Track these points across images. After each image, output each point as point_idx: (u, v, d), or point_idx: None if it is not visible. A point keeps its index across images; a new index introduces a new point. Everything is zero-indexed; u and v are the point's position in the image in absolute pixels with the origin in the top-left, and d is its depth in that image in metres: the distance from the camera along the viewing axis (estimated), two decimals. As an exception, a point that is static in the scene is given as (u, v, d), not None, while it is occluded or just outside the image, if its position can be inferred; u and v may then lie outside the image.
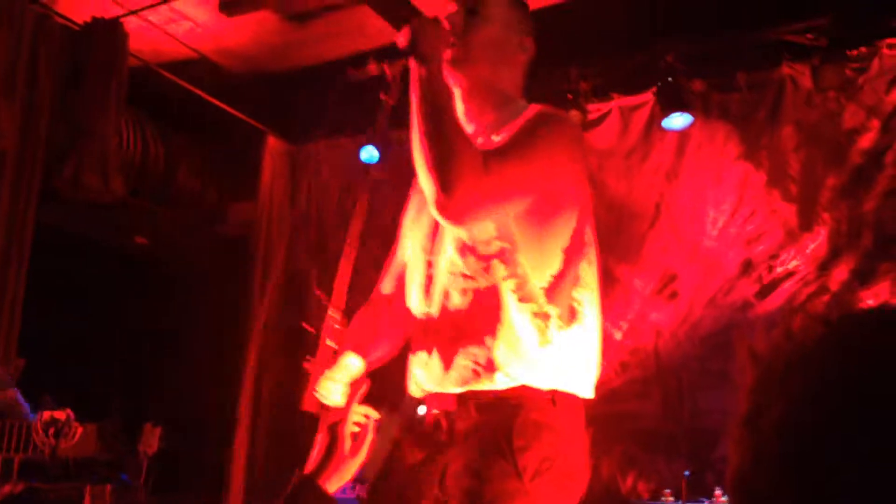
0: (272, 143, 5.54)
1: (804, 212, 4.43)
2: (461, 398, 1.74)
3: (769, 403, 0.62)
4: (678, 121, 4.56)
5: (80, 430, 3.15)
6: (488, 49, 1.88)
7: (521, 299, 1.71)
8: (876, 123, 4.30)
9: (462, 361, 1.73)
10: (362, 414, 1.64)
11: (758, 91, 4.57)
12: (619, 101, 4.89)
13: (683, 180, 4.73)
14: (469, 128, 1.85)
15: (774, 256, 4.47)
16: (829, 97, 4.39)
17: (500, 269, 1.74)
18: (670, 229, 4.73)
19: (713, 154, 4.67)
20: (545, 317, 1.71)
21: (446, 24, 1.87)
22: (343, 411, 1.61)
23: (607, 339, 4.73)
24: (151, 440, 3.44)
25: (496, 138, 1.83)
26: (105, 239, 5.65)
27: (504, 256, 1.74)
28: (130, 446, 3.47)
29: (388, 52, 1.95)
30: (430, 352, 1.81)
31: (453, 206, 1.63)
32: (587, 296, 1.79)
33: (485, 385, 1.71)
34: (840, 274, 4.29)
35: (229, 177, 5.72)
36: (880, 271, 4.21)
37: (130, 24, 4.53)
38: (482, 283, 1.75)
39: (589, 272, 1.80)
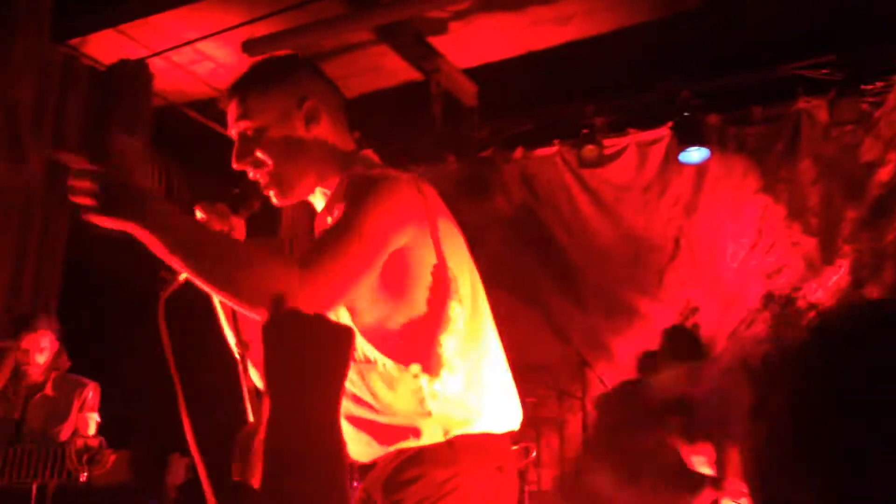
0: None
1: (825, 244, 4.42)
2: (369, 469, 1.70)
3: (771, 393, 0.69)
4: (695, 155, 4.58)
5: (112, 457, 3.19)
6: (281, 158, 1.70)
7: (376, 371, 1.63)
8: (893, 156, 4.30)
9: (359, 438, 1.68)
10: None
11: (774, 124, 4.60)
12: (635, 136, 4.92)
13: (702, 213, 4.73)
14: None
15: (796, 289, 4.45)
16: (845, 131, 4.40)
17: (359, 336, 1.65)
18: (690, 262, 4.73)
19: (731, 187, 4.68)
20: (413, 377, 1.62)
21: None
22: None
23: (630, 373, 4.73)
24: (178, 470, 3.46)
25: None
26: (130, 274, 5.71)
27: (355, 321, 1.65)
28: (157, 475, 3.50)
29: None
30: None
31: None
32: (458, 335, 1.66)
33: (380, 453, 1.67)
34: (862, 306, 4.26)
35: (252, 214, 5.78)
36: (903, 303, 4.18)
37: (155, 65, 4.64)
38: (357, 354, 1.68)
39: (459, 308, 1.66)
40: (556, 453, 4.54)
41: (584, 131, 4.77)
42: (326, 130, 1.74)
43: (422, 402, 1.62)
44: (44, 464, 3.19)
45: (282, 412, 0.95)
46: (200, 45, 4.56)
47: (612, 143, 4.91)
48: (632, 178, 4.93)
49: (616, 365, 4.76)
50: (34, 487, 3.16)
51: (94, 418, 3.52)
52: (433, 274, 1.64)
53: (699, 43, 4.40)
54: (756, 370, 0.73)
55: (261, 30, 4.36)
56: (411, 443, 1.62)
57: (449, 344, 1.64)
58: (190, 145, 5.23)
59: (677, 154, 4.64)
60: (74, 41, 4.48)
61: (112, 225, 1.43)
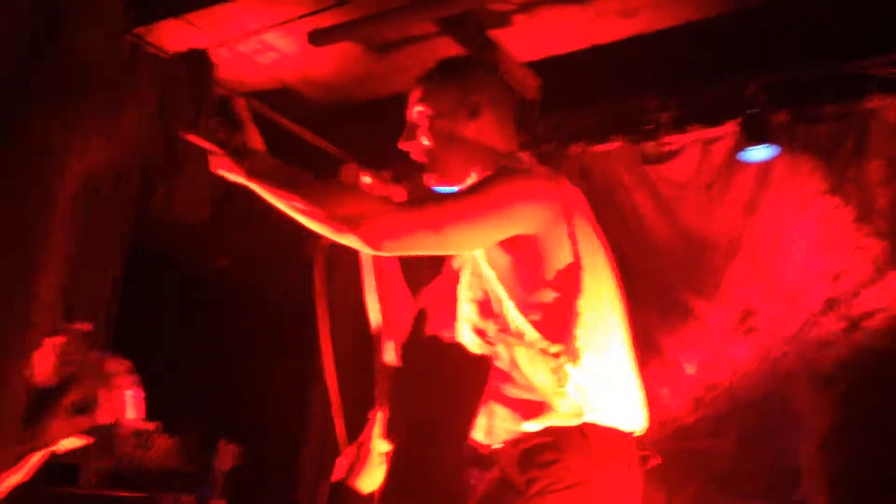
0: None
1: (894, 248, 4.30)
2: (500, 452, 1.85)
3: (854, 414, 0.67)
4: (761, 153, 4.49)
5: (163, 441, 3.25)
6: (440, 143, 1.94)
7: (524, 344, 1.76)
8: (966, 160, 4.16)
9: (500, 413, 1.84)
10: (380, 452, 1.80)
11: (843, 123, 4.47)
12: (697, 133, 4.83)
13: (764, 214, 4.63)
14: None
15: (860, 293, 4.34)
16: (917, 132, 4.27)
17: (491, 320, 1.83)
18: (750, 264, 4.64)
19: (796, 187, 4.57)
20: (554, 356, 1.73)
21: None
22: (366, 435, 1.78)
23: (680, 375, 4.67)
24: (227, 457, 3.53)
25: None
26: (189, 259, 5.83)
27: (492, 304, 1.83)
28: (207, 460, 3.57)
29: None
30: (484, 403, 1.93)
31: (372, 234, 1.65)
32: (591, 329, 1.77)
33: (520, 431, 1.78)
34: (930, 313, 4.15)
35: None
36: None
37: (219, 55, 4.71)
38: (490, 331, 1.86)
39: (589, 306, 1.77)
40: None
41: (647, 127, 4.71)
42: (487, 126, 1.94)
43: (560, 381, 1.71)
44: (96, 444, 3.26)
45: None
46: (265, 36, 4.62)
47: (674, 140, 4.83)
48: (693, 176, 4.85)
49: (668, 365, 4.70)
50: (83, 469, 3.23)
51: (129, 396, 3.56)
52: (566, 270, 1.75)
53: (767, 38, 4.30)
54: (828, 374, 0.72)
55: (325, 20, 4.39)
56: (545, 419, 1.73)
57: (582, 336, 1.73)
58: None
59: (741, 152, 4.54)
60: (140, 30, 4.57)
61: (236, 174, 1.72)
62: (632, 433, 1.82)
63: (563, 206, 1.79)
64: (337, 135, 5.47)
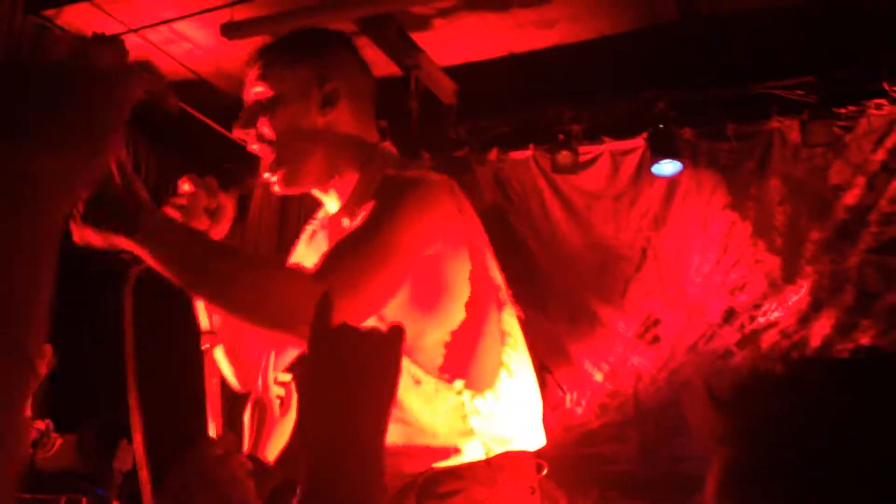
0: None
1: (788, 264, 4.48)
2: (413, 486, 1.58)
3: (741, 423, 0.73)
4: (668, 167, 4.61)
5: (59, 441, 3.12)
6: (286, 136, 1.55)
7: (419, 388, 1.52)
8: (861, 181, 4.37)
9: (412, 445, 1.57)
10: (280, 381, 1.52)
11: (747, 142, 4.64)
12: (609, 145, 4.94)
13: (670, 226, 4.77)
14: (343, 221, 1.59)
15: (757, 306, 4.51)
16: (816, 153, 4.46)
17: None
18: (655, 274, 4.76)
19: (701, 202, 4.72)
20: (457, 393, 1.53)
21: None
22: (263, 382, 1.50)
23: (587, 381, 4.76)
24: (126, 457, 3.40)
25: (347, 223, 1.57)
26: (90, 249, 5.61)
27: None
28: (105, 461, 3.44)
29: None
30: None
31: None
32: (509, 349, 1.58)
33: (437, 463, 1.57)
34: (821, 328, 4.33)
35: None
36: (861, 327, 4.25)
37: (130, 42, 4.56)
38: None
39: (512, 320, 1.59)
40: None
41: (561, 137, 4.78)
42: (345, 118, 1.59)
43: (464, 419, 1.52)
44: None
45: (326, 432, 0.88)
46: (178, 25, 4.49)
47: (586, 151, 4.92)
48: (604, 187, 4.95)
49: (575, 371, 4.78)
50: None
51: None
52: (472, 282, 1.53)
53: (678, 56, 4.43)
54: (724, 396, 0.76)
55: (241, 13, 4.30)
56: (451, 462, 1.53)
57: (493, 357, 1.55)
58: (160, 126, 5.14)
59: (650, 165, 4.66)
60: (49, 12, 4.38)
61: (101, 241, 1.30)
62: (536, 451, 1.64)
63: (462, 218, 1.54)
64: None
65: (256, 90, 1.57)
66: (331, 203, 1.64)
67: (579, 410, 4.76)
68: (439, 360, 1.53)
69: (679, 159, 4.58)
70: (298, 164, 1.57)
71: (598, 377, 4.75)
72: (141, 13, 4.41)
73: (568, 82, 4.71)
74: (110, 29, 4.55)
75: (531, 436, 1.63)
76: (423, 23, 4.50)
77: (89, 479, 3.30)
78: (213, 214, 1.50)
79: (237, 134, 1.59)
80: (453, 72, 4.96)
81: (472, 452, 1.54)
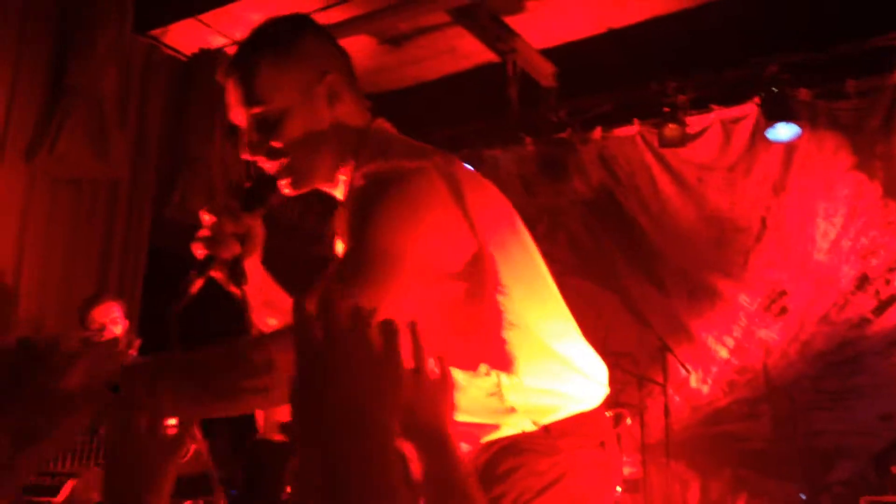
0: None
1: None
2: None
3: None
4: (784, 132, 4.41)
5: (193, 447, 3.24)
6: (300, 145, 1.45)
7: (455, 365, 1.40)
8: None
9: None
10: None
11: (869, 98, 4.38)
12: (719, 114, 4.76)
13: (791, 193, 4.56)
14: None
15: (892, 270, 4.26)
16: (947, 102, 4.17)
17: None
18: (778, 243, 4.57)
19: (822, 165, 4.49)
20: (486, 374, 1.45)
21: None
22: None
23: (712, 358, 4.61)
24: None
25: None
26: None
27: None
28: (238, 464, 3.56)
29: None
30: None
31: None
32: (519, 326, 1.46)
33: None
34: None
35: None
36: None
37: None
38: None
39: (507, 300, 1.46)
40: (637, 440, 4.45)
41: (666, 109, 4.64)
42: (349, 107, 1.49)
43: (501, 398, 1.45)
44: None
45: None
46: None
47: (694, 122, 4.76)
48: (716, 157, 4.78)
49: (697, 349, 4.64)
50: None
51: None
52: (473, 266, 1.42)
53: (787, 15, 4.22)
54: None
55: (336, 15, 4.36)
56: (502, 433, 1.47)
57: (512, 336, 1.45)
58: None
59: (764, 131, 4.47)
60: (156, 31, 4.56)
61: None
62: (600, 406, 1.53)
63: (456, 200, 1.40)
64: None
65: (254, 111, 1.45)
66: (338, 193, 1.57)
67: (705, 389, 4.62)
68: (459, 350, 1.44)
69: (796, 122, 4.37)
70: (311, 167, 1.49)
71: (724, 353, 4.59)
72: (243, 24, 4.52)
73: (671, 54, 4.56)
74: (214, 42, 4.69)
75: (587, 392, 1.52)
76: (516, 6, 4.44)
77: (223, 482, 3.43)
78: (243, 239, 1.46)
79: (247, 157, 1.50)
80: (550, 53, 4.88)
81: (521, 427, 1.47)
